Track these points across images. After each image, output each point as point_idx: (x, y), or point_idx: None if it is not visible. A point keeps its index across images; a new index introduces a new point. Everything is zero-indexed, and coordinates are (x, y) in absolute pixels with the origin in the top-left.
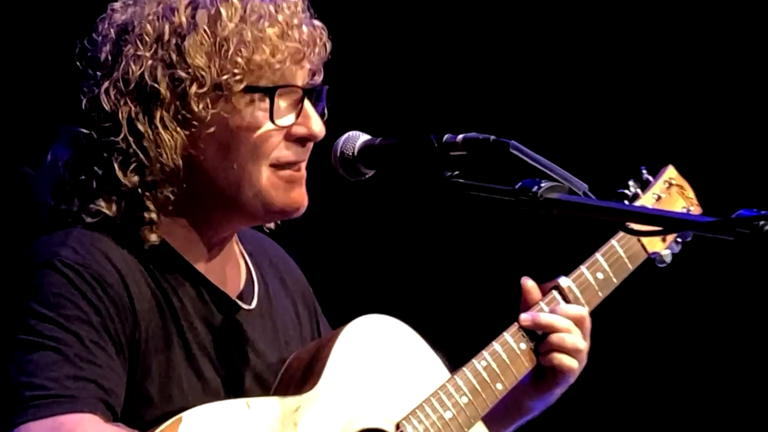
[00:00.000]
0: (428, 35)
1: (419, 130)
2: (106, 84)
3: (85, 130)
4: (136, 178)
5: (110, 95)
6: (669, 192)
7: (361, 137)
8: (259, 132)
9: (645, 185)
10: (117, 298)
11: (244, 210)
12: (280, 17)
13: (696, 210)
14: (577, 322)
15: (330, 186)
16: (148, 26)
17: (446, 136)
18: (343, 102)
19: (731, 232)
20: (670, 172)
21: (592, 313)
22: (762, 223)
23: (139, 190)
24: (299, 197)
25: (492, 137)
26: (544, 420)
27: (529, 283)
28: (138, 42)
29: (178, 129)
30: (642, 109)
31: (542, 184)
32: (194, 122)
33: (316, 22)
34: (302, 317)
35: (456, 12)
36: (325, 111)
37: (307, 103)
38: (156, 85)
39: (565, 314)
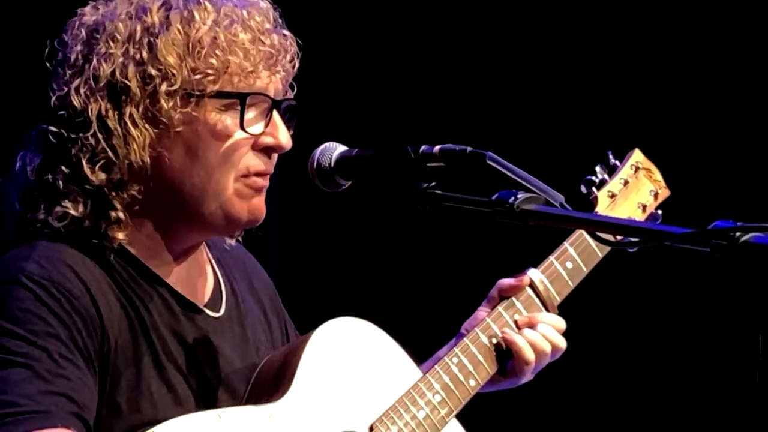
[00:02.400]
0: (404, 47)
1: (396, 141)
2: (76, 82)
3: (54, 129)
4: (103, 176)
5: (80, 93)
6: (636, 176)
7: (338, 148)
8: (228, 139)
9: (612, 170)
10: (84, 311)
11: (205, 219)
12: (252, 23)
13: (663, 192)
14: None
15: (306, 197)
16: (120, 25)
17: (423, 148)
18: (320, 113)
19: (708, 243)
20: (637, 156)
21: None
22: (738, 234)
23: (106, 189)
24: (259, 206)
25: (468, 149)
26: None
27: (504, 284)
28: (110, 41)
29: (147, 126)
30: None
31: (519, 196)
32: (163, 121)
33: (286, 32)
34: (272, 322)
35: (428, 24)
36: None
37: (276, 114)
38: (126, 82)
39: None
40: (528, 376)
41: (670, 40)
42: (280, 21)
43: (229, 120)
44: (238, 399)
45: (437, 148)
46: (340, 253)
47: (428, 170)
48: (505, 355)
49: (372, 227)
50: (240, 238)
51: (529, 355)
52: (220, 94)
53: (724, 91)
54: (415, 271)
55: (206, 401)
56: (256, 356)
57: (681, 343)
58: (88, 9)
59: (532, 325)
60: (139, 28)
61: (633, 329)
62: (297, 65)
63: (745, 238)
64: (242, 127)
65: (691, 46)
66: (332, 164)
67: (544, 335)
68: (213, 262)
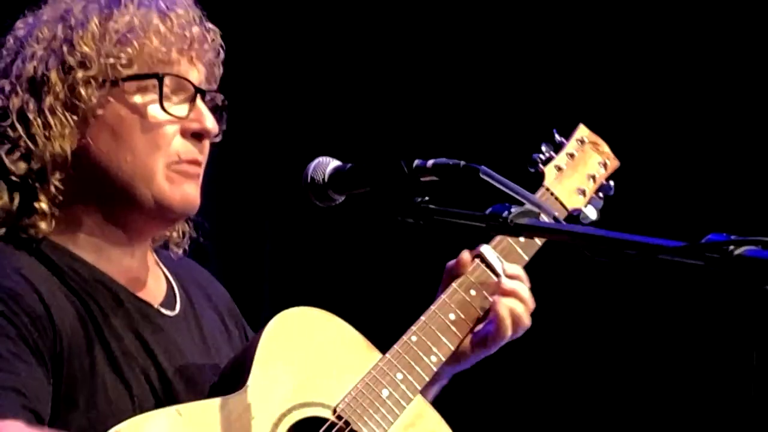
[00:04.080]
0: (394, 63)
1: (389, 155)
2: (1, 82)
3: None
4: (23, 166)
5: (4, 91)
6: (582, 149)
7: (332, 163)
8: (151, 120)
9: (558, 147)
10: (31, 311)
11: (138, 205)
12: (171, 14)
13: (612, 163)
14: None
15: (300, 212)
16: (44, 28)
17: (416, 162)
18: (313, 128)
19: (701, 257)
20: (582, 131)
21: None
22: (732, 247)
23: (30, 180)
24: (192, 193)
25: (462, 163)
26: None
27: (465, 256)
28: (34, 43)
29: (67, 114)
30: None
31: (512, 210)
32: (82, 107)
33: (210, 25)
34: (231, 330)
35: (418, 39)
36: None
37: (199, 101)
38: (47, 74)
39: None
40: (497, 344)
41: (658, 50)
42: (202, 16)
43: (150, 100)
44: (198, 392)
45: (431, 162)
46: (333, 267)
47: (422, 184)
48: (465, 328)
49: (366, 241)
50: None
51: (506, 320)
52: (136, 77)
53: (718, 105)
54: (407, 283)
55: (165, 395)
56: (216, 357)
57: (675, 358)
58: (18, 23)
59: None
60: (60, 26)
61: (626, 344)
62: (221, 58)
63: (738, 251)
64: (162, 107)
65: (678, 56)
66: (326, 179)
67: (515, 296)
68: (164, 269)
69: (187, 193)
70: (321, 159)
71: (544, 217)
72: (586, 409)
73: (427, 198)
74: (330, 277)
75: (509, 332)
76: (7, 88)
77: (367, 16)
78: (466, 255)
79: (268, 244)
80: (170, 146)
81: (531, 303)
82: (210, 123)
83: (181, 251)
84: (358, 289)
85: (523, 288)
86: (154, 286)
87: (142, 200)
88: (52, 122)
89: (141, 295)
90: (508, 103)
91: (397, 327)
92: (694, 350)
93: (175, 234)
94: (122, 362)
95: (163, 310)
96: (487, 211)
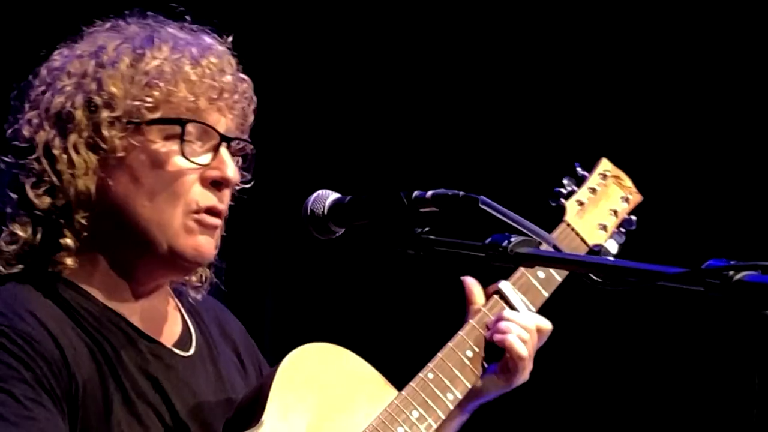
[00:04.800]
0: (404, 95)
1: (388, 187)
2: (31, 114)
3: (5, 158)
4: (47, 200)
5: (32, 123)
6: (605, 183)
7: (331, 196)
8: (170, 167)
9: (580, 181)
10: (47, 354)
11: (151, 251)
12: (203, 61)
13: (635, 198)
14: (529, 330)
15: (301, 245)
16: (77, 62)
17: (415, 193)
18: (312, 161)
19: (702, 282)
20: (605, 165)
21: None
22: (732, 273)
23: (54, 215)
24: (206, 245)
25: (461, 193)
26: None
27: (469, 281)
28: (65, 77)
29: (90, 153)
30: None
31: (512, 239)
32: (105, 148)
33: (243, 76)
34: (247, 367)
35: (434, 72)
36: (250, 173)
37: (224, 149)
38: (73, 111)
39: (517, 322)
40: (523, 372)
41: (654, 66)
42: (235, 65)
43: (172, 148)
44: None
45: (430, 192)
46: (335, 300)
47: (421, 215)
48: (482, 364)
49: (367, 273)
50: (222, 286)
51: (518, 344)
52: (159, 121)
53: (716, 132)
54: (410, 314)
55: None
56: (232, 393)
57: (677, 384)
58: (55, 54)
59: (500, 320)
60: (93, 63)
61: (628, 371)
62: (253, 109)
63: (738, 276)
64: (183, 153)
65: (673, 72)
66: (326, 212)
67: (517, 322)
68: (182, 308)
69: (201, 244)
70: (320, 192)
71: (545, 246)
72: (592, 429)
73: (427, 229)
74: (332, 310)
75: (521, 353)
76: (35, 120)
77: (371, 45)
78: (470, 282)
79: (270, 278)
80: (189, 194)
81: (533, 342)
82: (231, 171)
83: (199, 296)
84: (360, 321)
85: (525, 318)
86: (169, 326)
87: (156, 246)
88: (75, 160)
89: (154, 335)
90: (530, 137)
91: (399, 358)
92: (696, 376)
93: (194, 278)
94: (137, 404)
95: (177, 351)
96: (487, 241)
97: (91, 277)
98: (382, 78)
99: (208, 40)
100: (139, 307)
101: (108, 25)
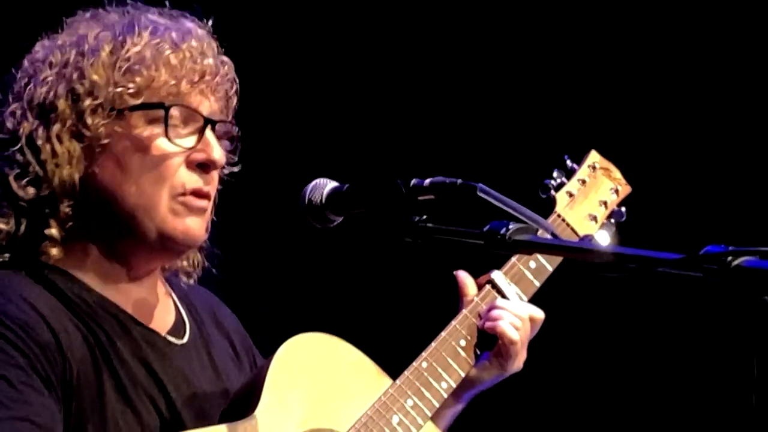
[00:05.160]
0: (397, 84)
1: (386, 175)
2: (14, 106)
3: None
4: (32, 191)
5: (15, 115)
6: (594, 175)
7: (329, 184)
8: (156, 151)
9: (570, 173)
10: (42, 341)
11: (140, 237)
12: (183, 45)
13: (624, 189)
14: (521, 317)
15: (298, 234)
16: (58, 53)
17: (413, 181)
18: (309, 149)
19: (700, 268)
20: (593, 156)
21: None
22: (730, 258)
23: (39, 205)
24: (194, 227)
25: (459, 181)
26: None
27: (461, 274)
28: (47, 68)
29: (74, 142)
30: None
31: (510, 226)
32: (89, 136)
33: (224, 58)
34: (241, 355)
35: (426, 62)
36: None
37: (209, 132)
38: (55, 101)
39: (509, 310)
40: (515, 361)
41: (643, 56)
42: (216, 48)
43: (156, 132)
44: (207, 420)
45: (428, 180)
46: (333, 288)
47: (419, 203)
48: (476, 353)
49: (365, 262)
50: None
51: (510, 330)
52: (142, 106)
53: (711, 119)
54: (407, 302)
55: (174, 424)
56: (226, 381)
57: (675, 369)
58: (37, 45)
59: (492, 308)
60: (73, 53)
61: (627, 356)
62: (235, 90)
63: (736, 262)
64: (167, 137)
65: (668, 64)
66: (323, 200)
67: (509, 309)
68: (175, 297)
69: (190, 226)
70: (318, 181)
71: (543, 233)
72: (589, 420)
73: (425, 217)
74: (330, 298)
75: (513, 354)
76: (18, 112)
77: (367, 34)
78: (463, 276)
79: (269, 268)
80: (175, 177)
81: (527, 314)
82: (216, 153)
83: (191, 281)
84: (358, 310)
85: (522, 313)
86: (162, 314)
87: (145, 232)
88: (59, 150)
89: (148, 323)
90: (519, 129)
91: (397, 347)
92: (695, 361)
93: (185, 263)
94: (131, 391)
95: (171, 339)
96: (485, 229)
97: (83, 264)
98: (378, 67)
99: (188, 24)
100: (133, 295)
101: (88, 14)
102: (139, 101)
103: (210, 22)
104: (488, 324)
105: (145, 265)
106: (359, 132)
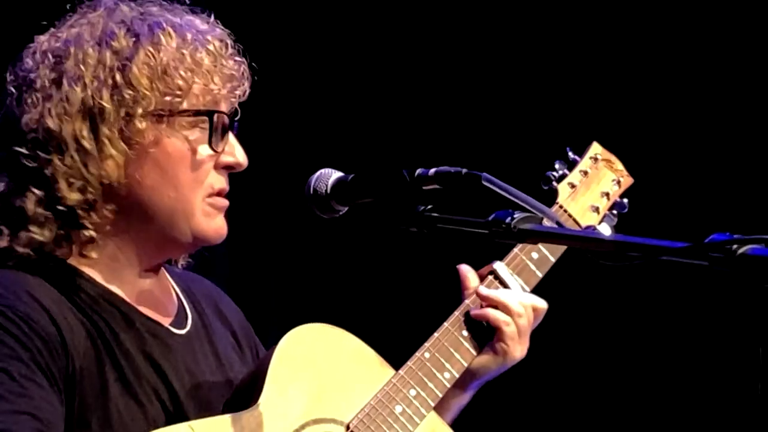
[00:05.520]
0: (401, 74)
1: (391, 165)
2: (47, 105)
3: (25, 151)
4: (78, 196)
5: (53, 115)
6: (596, 167)
7: (334, 174)
8: (195, 157)
9: (572, 165)
10: (44, 334)
11: (173, 239)
12: (211, 47)
13: (626, 180)
14: (524, 307)
15: (303, 224)
16: (90, 50)
17: (418, 171)
18: (314, 140)
19: (705, 256)
20: (595, 148)
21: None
22: (735, 246)
23: (79, 210)
24: (223, 225)
25: (464, 170)
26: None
27: (463, 268)
28: (80, 65)
29: (121, 146)
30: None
31: (515, 216)
32: (137, 141)
33: (240, 58)
34: (243, 345)
35: (429, 53)
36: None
37: (230, 134)
38: (102, 104)
39: (508, 301)
40: (516, 350)
41: (645, 49)
42: (235, 47)
43: (197, 138)
44: (210, 411)
45: (433, 170)
46: (337, 278)
47: (424, 193)
48: (479, 343)
49: (370, 251)
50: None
51: (504, 318)
52: (188, 112)
53: (716, 109)
54: (412, 292)
55: (178, 416)
56: (230, 373)
57: (682, 358)
58: (44, 37)
59: (490, 298)
60: (108, 53)
61: (632, 345)
62: (248, 88)
63: (742, 250)
64: (210, 144)
65: (666, 53)
66: (328, 190)
67: (507, 300)
68: (176, 287)
69: (220, 226)
70: (323, 171)
71: (547, 222)
72: (593, 410)
73: (430, 206)
74: (335, 288)
75: (509, 330)
76: (56, 111)
77: (372, 25)
78: (465, 270)
79: (273, 258)
80: (207, 180)
81: (528, 301)
82: (241, 156)
83: (185, 263)
84: (362, 300)
85: (524, 302)
86: (165, 305)
87: (180, 234)
88: (109, 153)
89: (151, 314)
90: (522, 120)
91: (400, 336)
92: (700, 349)
93: None
94: (134, 383)
95: (173, 329)
96: (490, 218)
97: (94, 262)
98: (382, 57)
99: (203, 25)
100: (137, 287)
101: (102, 8)
102: (183, 106)
103: (212, 17)
104: (490, 314)
105: (159, 261)
106: (364, 122)
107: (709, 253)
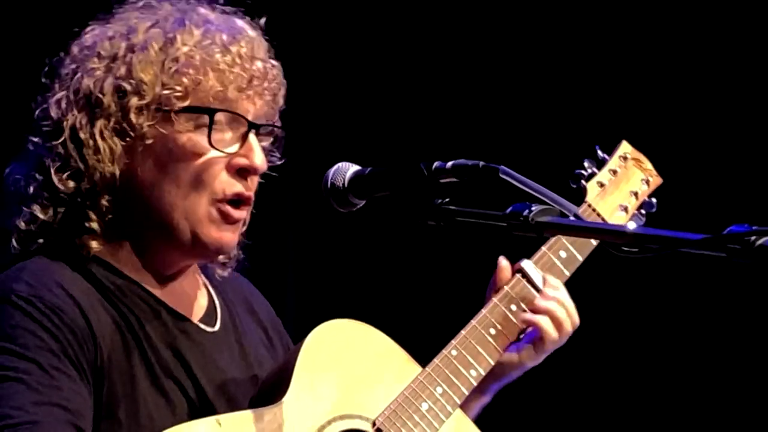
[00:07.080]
0: (409, 69)
1: (408, 158)
2: (60, 95)
3: (33, 138)
4: (72, 184)
5: (60, 105)
6: (625, 166)
7: (351, 168)
8: (199, 156)
9: (601, 164)
10: (74, 326)
11: (173, 238)
12: (233, 48)
13: (655, 180)
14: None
15: (321, 218)
16: (107, 44)
17: (436, 164)
18: (332, 134)
19: (724, 248)
20: (625, 147)
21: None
22: (754, 238)
23: (78, 198)
24: (229, 238)
25: (481, 163)
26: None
27: (503, 261)
28: (95, 58)
29: (116, 139)
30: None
31: (533, 208)
32: (132, 134)
33: (274, 62)
34: (274, 342)
35: (440, 43)
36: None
37: (252, 137)
38: (101, 96)
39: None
40: (543, 356)
41: (670, 46)
42: (267, 49)
43: (200, 136)
44: (236, 407)
45: (450, 163)
46: (355, 272)
47: (442, 186)
48: (506, 342)
49: (388, 245)
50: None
51: (553, 332)
52: (188, 109)
53: (734, 100)
54: (432, 288)
55: (204, 411)
56: (258, 369)
57: (698, 349)
58: (88, 29)
59: (534, 299)
60: (123, 46)
61: (649, 335)
62: (283, 93)
63: (760, 241)
64: (210, 143)
65: (692, 50)
66: (346, 184)
67: (557, 301)
68: (208, 285)
69: (224, 237)
70: (341, 164)
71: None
72: (609, 400)
73: (447, 199)
74: (353, 283)
75: (553, 337)
76: (64, 101)
77: (391, 21)
78: (504, 265)
79: (291, 253)
80: (215, 183)
81: (572, 310)
82: (258, 159)
83: (225, 273)
84: (381, 294)
85: (564, 294)
86: (195, 301)
87: (180, 233)
88: (102, 146)
89: (180, 310)
90: (551, 120)
91: (420, 329)
92: (718, 341)
93: (221, 256)
94: (161, 377)
95: (202, 326)
96: (508, 210)
97: (117, 253)
98: (402, 50)
99: (239, 23)
100: (168, 283)
101: (141, 3)
102: (185, 104)
103: (263, 20)
104: (535, 321)
105: (176, 264)
106: (382, 115)
107: (728, 245)
